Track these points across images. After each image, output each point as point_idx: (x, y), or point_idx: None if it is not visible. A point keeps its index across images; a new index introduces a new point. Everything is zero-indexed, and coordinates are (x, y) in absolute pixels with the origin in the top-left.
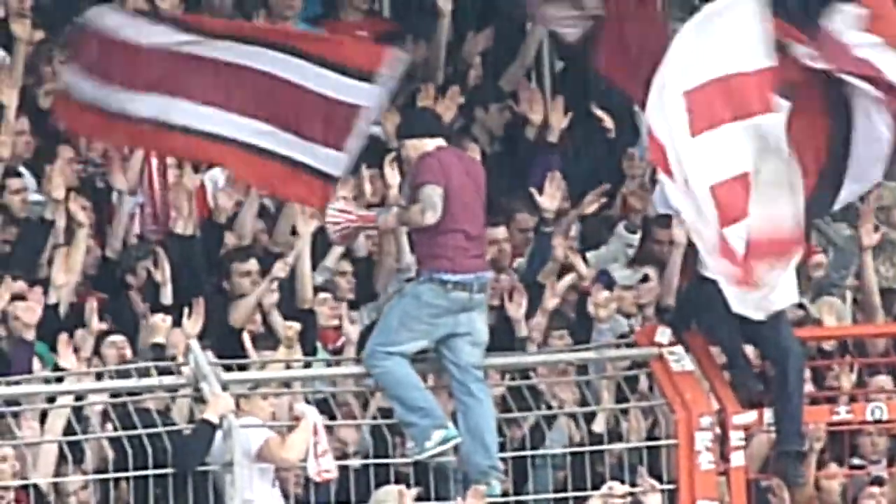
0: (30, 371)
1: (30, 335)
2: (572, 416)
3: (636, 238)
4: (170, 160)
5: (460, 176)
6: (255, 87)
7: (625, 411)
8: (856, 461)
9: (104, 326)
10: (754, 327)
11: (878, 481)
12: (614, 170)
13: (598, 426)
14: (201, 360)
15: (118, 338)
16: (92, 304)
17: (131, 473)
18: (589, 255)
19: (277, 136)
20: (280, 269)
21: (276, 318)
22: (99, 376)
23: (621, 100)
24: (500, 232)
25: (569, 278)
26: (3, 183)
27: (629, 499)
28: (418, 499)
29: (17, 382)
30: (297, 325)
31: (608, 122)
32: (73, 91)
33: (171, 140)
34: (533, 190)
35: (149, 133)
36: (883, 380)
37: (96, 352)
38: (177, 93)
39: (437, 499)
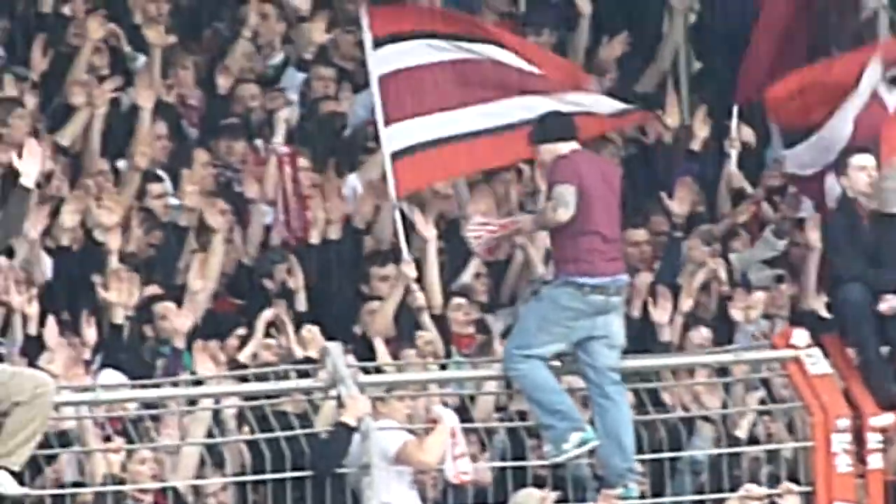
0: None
1: (180, 342)
2: (712, 419)
3: (783, 244)
4: (304, 164)
5: (595, 177)
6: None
7: (764, 413)
8: None
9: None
10: (892, 327)
11: None
12: (752, 173)
13: (742, 431)
14: (339, 363)
15: (272, 341)
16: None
17: (269, 476)
18: (732, 257)
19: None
20: (410, 270)
21: (426, 320)
22: (237, 380)
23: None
24: (641, 234)
25: (700, 277)
26: (144, 187)
27: (766, 501)
28: (557, 501)
29: (156, 385)
30: (427, 334)
31: (741, 133)
32: (404, 148)
33: (495, 145)
34: (663, 194)
35: (482, 145)
36: None
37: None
38: (472, 100)
39: (576, 501)
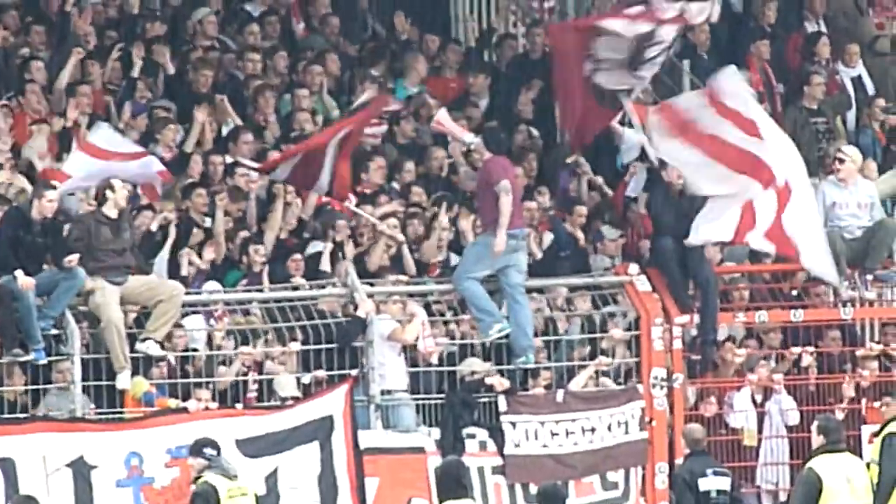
0: None
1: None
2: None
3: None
4: None
5: (511, 173)
6: None
7: (611, 315)
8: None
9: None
10: (689, 262)
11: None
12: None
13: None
14: (356, 280)
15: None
16: None
17: (324, 346)
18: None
19: None
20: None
21: (407, 255)
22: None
23: None
24: (533, 205)
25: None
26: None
27: (610, 367)
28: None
29: (246, 291)
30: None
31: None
32: None
33: None
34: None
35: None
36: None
37: None
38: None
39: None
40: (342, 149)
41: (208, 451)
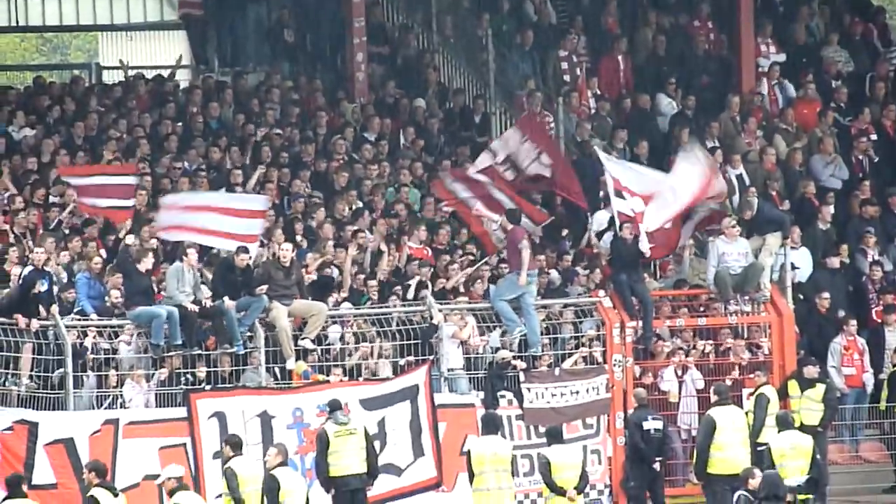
0: None
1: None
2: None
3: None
4: None
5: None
6: None
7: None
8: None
9: None
10: (636, 290)
11: None
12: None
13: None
14: (432, 301)
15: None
16: None
17: (412, 342)
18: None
19: None
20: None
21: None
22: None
23: None
24: (543, 258)
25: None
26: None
27: (588, 355)
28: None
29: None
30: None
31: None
32: None
33: None
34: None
35: None
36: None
37: None
38: None
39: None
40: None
41: (327, 408)
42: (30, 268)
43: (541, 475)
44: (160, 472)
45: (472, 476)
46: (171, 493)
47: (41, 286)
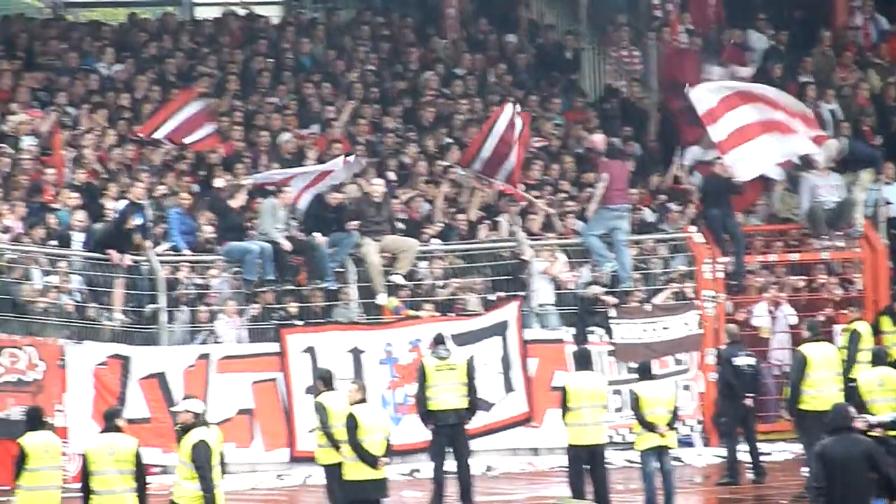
0: None
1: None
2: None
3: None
4: None
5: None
6: None
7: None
8: None
9: None
10: (729, 226)
11: None
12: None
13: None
14: (522, 237)
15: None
16: None
17: (504, 278)
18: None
19: None
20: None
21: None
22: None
23: None
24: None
25: None
26: None
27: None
28: None
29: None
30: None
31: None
32: None
33: None
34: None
35: None
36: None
37: None
38: None
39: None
40: (518, 154)
41: (431, 342)
42: (125, 201)
43: (632, 411)
44: (252, 406)
45: (564, 411)
46: (184, 429)
47: (136, 220)
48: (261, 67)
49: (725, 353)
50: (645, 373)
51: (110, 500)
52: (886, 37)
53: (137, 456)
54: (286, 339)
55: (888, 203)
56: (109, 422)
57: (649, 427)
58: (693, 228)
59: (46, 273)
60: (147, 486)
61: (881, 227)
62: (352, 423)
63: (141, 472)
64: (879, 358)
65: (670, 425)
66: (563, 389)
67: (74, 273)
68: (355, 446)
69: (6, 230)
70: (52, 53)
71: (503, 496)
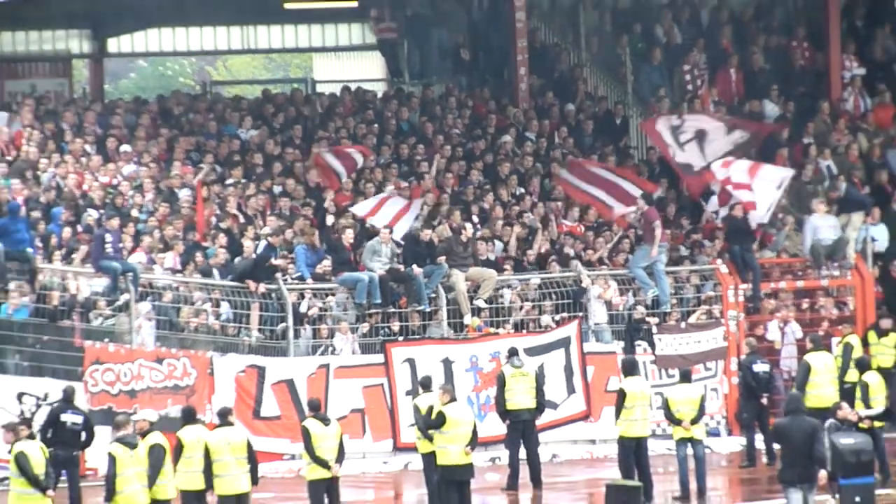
0: None
1: None
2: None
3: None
4: None
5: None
6: None
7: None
8: None
9: None
10: (748, 260)
11: None
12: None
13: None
14: (582, 268)
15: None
16: None
17: (566, 301)
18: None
19: None
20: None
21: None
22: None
23: None
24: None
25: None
26: None
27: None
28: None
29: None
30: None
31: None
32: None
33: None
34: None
35: None
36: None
37: None
38: None
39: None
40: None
41: (507, 354)
42: (264, 243)
43: (663, 409)
44: (362, 406)
45: (619, 410)
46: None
47: (274, 259)
48: (367, 132)
49: (745, 361)
50: (685, 378)
51: (229, 480)
52: (872, 108)
53: (248, 445)
54: (390, 351)
55: (874, 240)
56: (223, 419)
57: (676, 422)
58: (719, 261)
59: (195, 301)
60: (257, 468)
61: (869, 259)
62: (440, 420)
63: (252, 457)
64: (864, 365)
65: (695, 421)
66: (622, 391)
67: (221, 299)
68: (427, 436)
69: (164, 265)
70: (200, 122)
71: (566, 478)
